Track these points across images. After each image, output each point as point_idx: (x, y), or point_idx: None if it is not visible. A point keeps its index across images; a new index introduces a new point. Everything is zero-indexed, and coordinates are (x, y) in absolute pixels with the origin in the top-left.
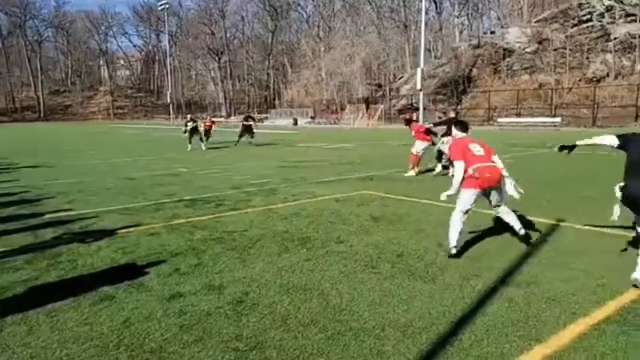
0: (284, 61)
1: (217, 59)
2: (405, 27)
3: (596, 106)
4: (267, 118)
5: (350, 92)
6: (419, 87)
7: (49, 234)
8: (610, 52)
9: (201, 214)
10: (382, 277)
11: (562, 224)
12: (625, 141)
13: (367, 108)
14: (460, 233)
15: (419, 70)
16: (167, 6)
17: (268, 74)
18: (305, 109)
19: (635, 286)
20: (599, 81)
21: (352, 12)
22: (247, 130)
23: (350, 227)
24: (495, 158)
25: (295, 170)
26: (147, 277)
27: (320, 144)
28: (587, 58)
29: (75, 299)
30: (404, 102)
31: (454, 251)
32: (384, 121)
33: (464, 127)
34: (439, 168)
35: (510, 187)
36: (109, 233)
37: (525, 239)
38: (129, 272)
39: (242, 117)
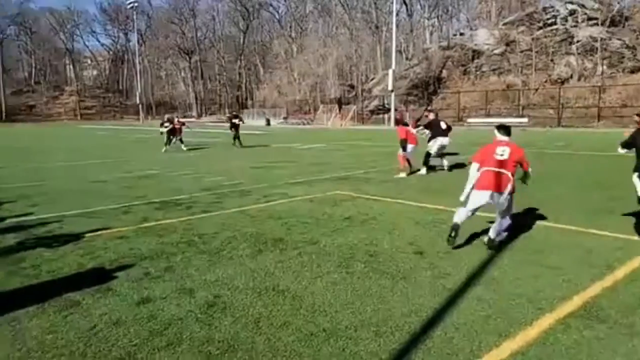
0: (256, 61)
1: (187, 58)
2: (377, 28)
3: (561, 106)
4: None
5: (323, 92)
6: (390, 87)
7: (10, 239)
8: (574, 54)
9: (172, 216)
10: (355, 276)
11: (529, 221)
12: (632, 138)
13: (340, 108)
14: (461, 222)
15: (390, 71)
16: (136, 4)
17: (239, 74)
18: (278, 109)
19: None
20: (563, 82)
21: (323, 13)
22: (236, 129)
23: (323, 228)
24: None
25: (268, 171)
26: (116, 281)
27: (293, 144)
28: (552, 60)
29: (40, 305)
30: (376, 102)
31: (453, 232)
32: (356, 121)
33: (506, 131)
34: (423, 170)
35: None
36: (75, 237)
37: (488, 244)
38: (97, 277)
39: (226, 116)
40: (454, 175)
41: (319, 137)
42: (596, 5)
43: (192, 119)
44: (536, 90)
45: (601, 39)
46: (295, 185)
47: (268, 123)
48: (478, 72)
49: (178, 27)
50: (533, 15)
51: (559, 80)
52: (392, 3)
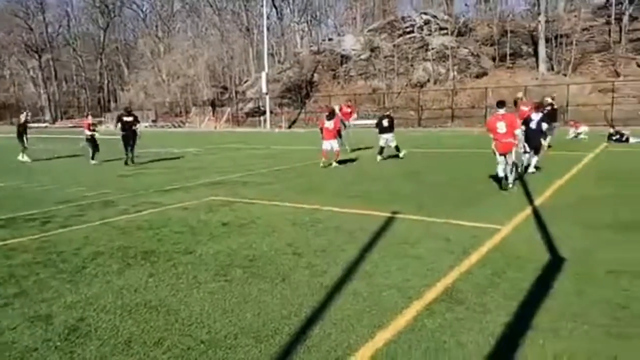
0: (119, 61)
1: (37, 56)
2: (248, 30)
3: (420, 108)
4: (101, 122)
5: (195, 94)
6: (264, 90)
7: None
8: (429, 61)
9: (21, 234)
10: (234, 283)
11: (397, 215)
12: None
13: (214, 110)
14: (503, 170)
15: (263, 74)
16: None
17: (101, 74)
18: (146, 111)
19: None
20: (421, 86)
21: (192, 13)
22: (128, 138)
23: (199, 236)
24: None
25: (136, 179)
26: None
27: (164, 148)
28: (412, 65)
29: None
30: (251, 105)
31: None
32: (231, 124)
33: (502, 104)
34: (378, 158)
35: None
36: None
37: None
38: None
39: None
40: (335, 172)
41: (192, 140)
42: (446, 17)
43: (45, 124)
44: (398, 93)
45: (451, 47)
46: (168, 193)
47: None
48: (346, 77)
49: (23, 21)
50: (394, 24)
51: (418, 84)
52: (262, 6)
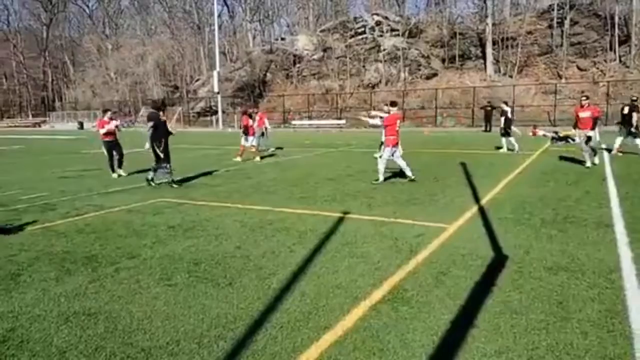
0: (64, 58)
1: None
2: (199, 28)
3: (372, 109)
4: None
5: (145, 93)
6: (216, 89)
7: None
8: (381, 62)
9: None
10: (178, 288)
11: (347, 216)
12: None
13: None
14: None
15: (214, 73)
16: None
17: (44, 72)
18: (93, 110)
19: None
20: (373, 87)
21: (141, 10)
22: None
23: (144, 239)
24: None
25: (78, 181)
26: None
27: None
28: (364, 66)
29: None
30: (202, 104)
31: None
32: (182, 123)
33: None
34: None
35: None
36: None
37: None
38: None
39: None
40: (287, 173)
41: (141, 140)
42: (397, 18)
43: None
44: (351, 94)
45: (403, 48)
46: (113, 195)
47: (81, 126)
48: (300, 77)
49: None
50: (346, 24)
51: (370, 85)
52: (213, 4)
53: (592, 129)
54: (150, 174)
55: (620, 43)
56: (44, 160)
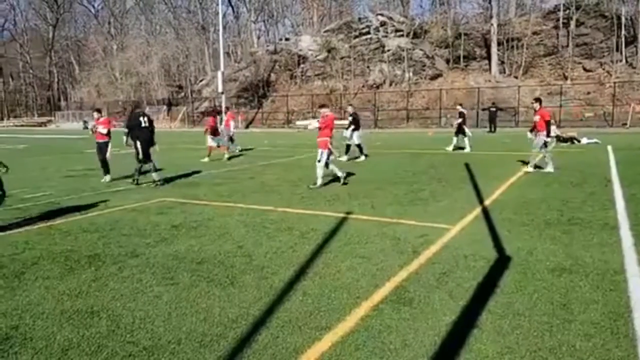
0: (70, 58)
1: None
2: (203, 29)
3: (376, 109)
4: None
5: (149, 93)
6: (220, 89)
7: None
8: (385, 62)
9: None
10: (180, 287)
11: (350, 216)
12: None
13: (169, 110)
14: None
15: (219, 73)
16: None
17: (50, 72)
18: None
19: None
20: (377, 87)
21: (146, 10)
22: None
23: (147, 238)
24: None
25: (83, 180)
26: None
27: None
28: (368, 66)
29: None
30: (206, 104)
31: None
32: (187, 123)
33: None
34: (344, 157)
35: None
36: None
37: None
38: None
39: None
40: (290, 173)
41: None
42: (402, 19)
43: None
44: (355, 94)
45: (407, 49)
46: (117, 194)
47: (86, 126)
48: (304, 77)
49: None
50: (350, 25)
51: (374, 85)
52: (217, 4)
53: (548, 133)
54: (136, 175)
55: (627, 44)
56: (48, 160)
